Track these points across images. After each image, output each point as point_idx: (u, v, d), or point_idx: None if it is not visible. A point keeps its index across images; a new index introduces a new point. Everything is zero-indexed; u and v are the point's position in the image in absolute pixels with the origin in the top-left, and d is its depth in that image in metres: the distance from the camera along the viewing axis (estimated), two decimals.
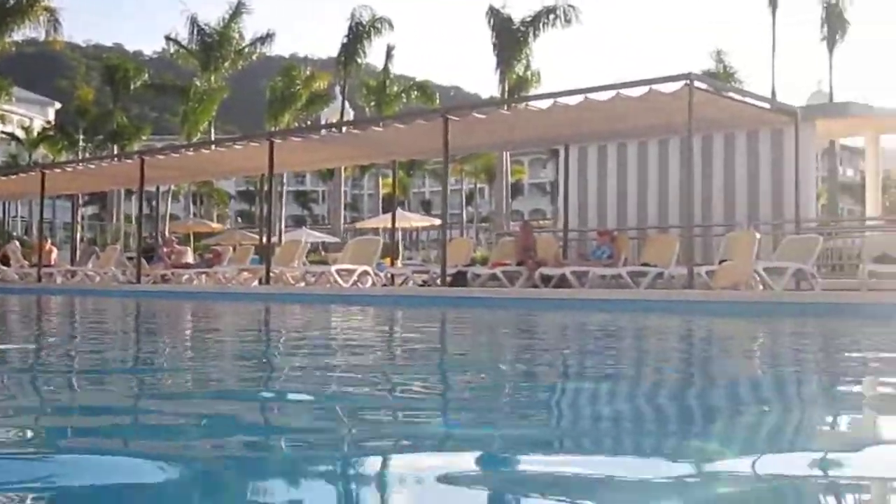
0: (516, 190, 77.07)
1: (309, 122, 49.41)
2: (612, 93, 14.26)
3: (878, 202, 21.91)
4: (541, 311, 13.41)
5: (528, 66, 44.74)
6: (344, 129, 22.17)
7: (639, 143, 18.41)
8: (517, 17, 44.57)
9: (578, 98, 14.70)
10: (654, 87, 13.90)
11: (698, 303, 13.09)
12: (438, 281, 17.10)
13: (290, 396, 3.99)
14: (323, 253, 44.18)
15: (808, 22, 51.33)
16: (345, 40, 49.45)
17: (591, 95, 14.53)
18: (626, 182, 18.63)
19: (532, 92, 40.55)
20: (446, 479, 2.27)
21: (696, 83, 13.82)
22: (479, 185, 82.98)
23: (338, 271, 18.54)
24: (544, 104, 15.70)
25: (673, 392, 4.37)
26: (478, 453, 2.65)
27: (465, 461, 2.54)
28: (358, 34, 49.22)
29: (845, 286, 14.92)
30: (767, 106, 16.35)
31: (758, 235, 15.23)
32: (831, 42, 45.84)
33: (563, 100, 15.15)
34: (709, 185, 17.06)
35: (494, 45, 44.42)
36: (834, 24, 45.67)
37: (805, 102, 18.96)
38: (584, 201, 19.15)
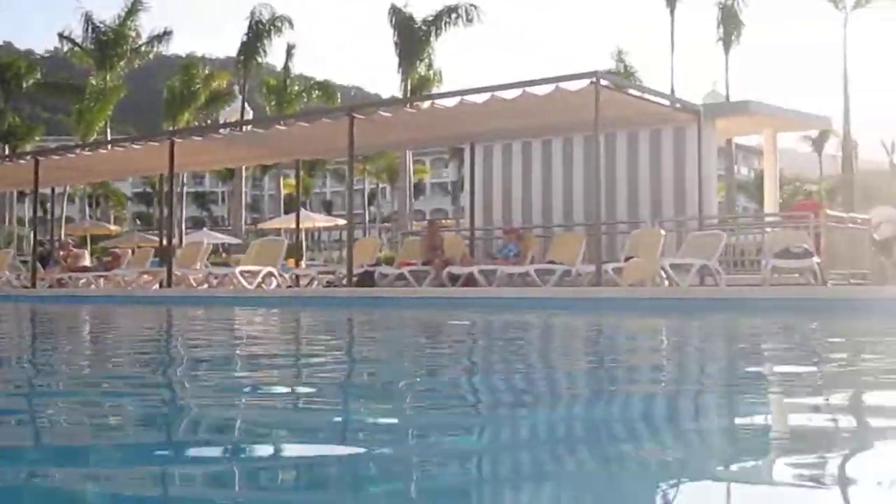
0: (418, 190, 77.07)
1: (209, 122, 48.58)
2: (518, 91, 14.26)
3: (776, 199, 22.35)
4: (448, 310, 13.38)
5: (430, 66, 44.73)
6: (248, 127, 21.78)
7: (543, 142, 18.45)
8: (419, 16, 44.53)
9: (486, 96, 14.67)
10: (561, 85, 13.93)
11: (606, 300, 13.19)
12: (345, 281, 16.91)
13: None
14: (224, 255, 43.50)
15: (705, 22, 52.26)
16: (245, 38, 48.79)
17: (499, 93, 14.50)
18: (531, 180, 18.64)
19: (434, 91, 40.50)
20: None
21: (602, 81, 13.89)
22: (380, 185, 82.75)
23: (242, 273, 18.21)
24: (452, 102, 15.62)
25: (555, 386, 4.46)
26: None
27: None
28: (258, 32, 48.61)
29: (747, 281, 15.19)
30: (672, 104, 16.54)
31: (663, 233, 15.40)
32: (727, 43, 46.82)
33: (470, 97, 15.08)
34: (612, 182, 17.19)
35: (396, 44, 44.28)
36: (729, 25, 46.66)
37: (700, 102, 19.16)
38: (489, 200, 19.13)
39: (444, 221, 71.80)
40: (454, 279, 16.14)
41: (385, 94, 67.49)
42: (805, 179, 70.20)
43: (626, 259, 14.93)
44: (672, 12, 47.84)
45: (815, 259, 13.77)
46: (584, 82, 13.82)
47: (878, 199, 34.82)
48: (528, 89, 14.15)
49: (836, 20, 43.85)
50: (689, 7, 55.10)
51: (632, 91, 16.00)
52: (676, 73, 44.98)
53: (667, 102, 16.26)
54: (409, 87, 43.57)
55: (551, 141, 18.34)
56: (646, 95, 16.13)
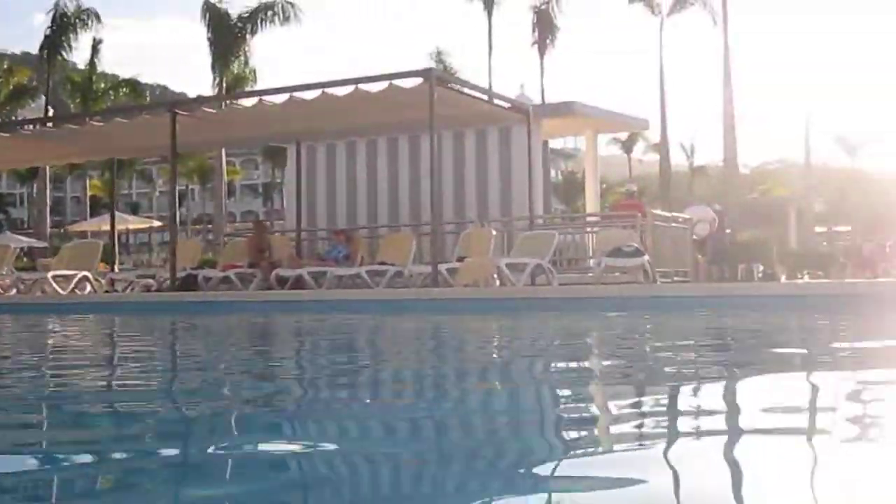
0: (228, 191, 75.43)
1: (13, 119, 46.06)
2: (351, 88, 13.92)
3: (597, 199, 22.79)
4: (277, 313, 13.01)
5: (246, 63, 43.75)
6: (58, 124, 20.55)
7: (368, 142, 18.11)
8: (235, 12, 43.46)
9: (316, 92, 14.25)
10: (395, 82, 13.67)
11: (442, 301, 13.04)
12: (166, 285, 16.16)
13: None
14: (25, 259, 41.27)
15: (520, 24, 53.08)
16: (48, 32, 46.48)
17: (330, 90, 14.11)
18: (356, 180, 18.28)
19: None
20: None
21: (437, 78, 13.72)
22: (189, 186, 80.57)
23: (54, 278, 17.15)
24: (281, 98, 15.11)
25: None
26: None
27: None
28: (62, 26, 46.38)
29: (577, 280, 15.34)
30: (505, 104, 16.53)
31: (494, 232, 15.38)
32: (542, 47, 47.72)
33: (300, 94, 14.62)
34: (439, 182, 17.01)
35: (211, 41, 43.09)
36: (545, 29, 47.57)
37: None
38: (312, 200, 18.66)
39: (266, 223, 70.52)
40: (282, 282, 15.66)
41: (193, 94, 65.48)
42: (612, 182, 72.49)
43: (459, 259, 14.83)
44: (489, 15, 48.41)
45: (646, 257, 13.99)
46: (419, 80, 13.60)
47: (680, 201, 36.19)
48: (360, 86, 13.82)
49: (652, 26, 45.23)
50: (506, 10, 56.09)
51: (465, 90, 15.85)
52: (495, 75, 45.32)
53: (500, 102, 16.23)
54: (224, 86, 42.45)
55: (376, 140, 18.02)
56: (477, 94, 16.04)
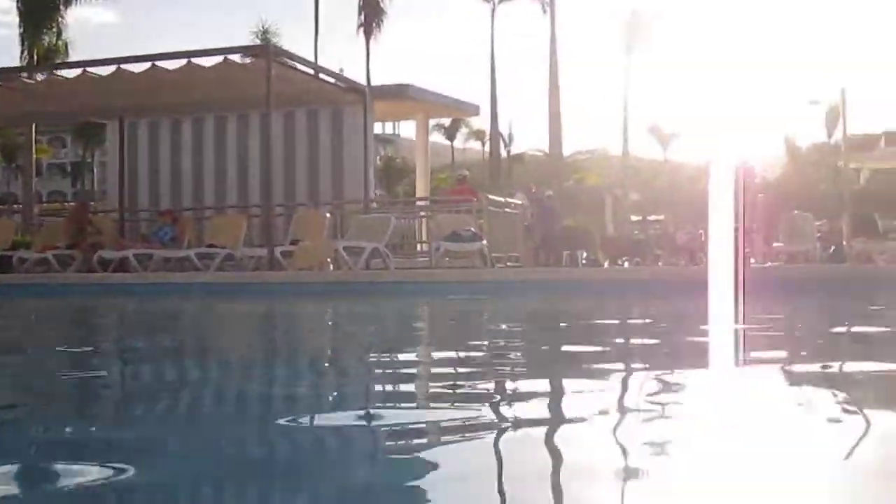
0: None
1: None
2: (183, 61, 13.32)
3: (427, 184, 22.70)
4: (101, 297, 12.42)
5: (59, 35, 41.65)
6: None
7: (194, 120, 17.36)
8: None
9: (146, 65, 13.56)
10: (230, 57, 13.18)
11: (277, 284, 12.71)
12: None
13: None
14: None
15: (347, 7, 52.61)
16: None
17: (161, 63, 13.47)
18: (182, 159, 17.49)
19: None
20: None
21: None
22: None
23: None
24: (106, 70, 14.31)
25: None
26: None
27: None
28: None
29: (409, 265, 15.24)
30: (342, 84, 16.18)
31: (327, 215, 15.08)
32: (368, 31, 47.37)
33: (128, 67, 13.89)
34: (268, 163, 16.51)
35: (21, 9, 40.83)
36: (371, 13, 47.22)
37: None
38: (134, 179, 17.76)
39: (66, 204, 67.76)
40: (105, 264, 14.91)
41: None
42: (433, 168, 72.80)
43: (292, 242, 14.48)
44: None
45: (484, 242, 13.96)
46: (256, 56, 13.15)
47: (501, 188, 36.67)
48: (193, 60, 13.24)
49: (484, 13, 45.64)
50: None
51: (302, 68, 15.41)
52: (318, 58, 44.61)
53: (336, 81, 15.88)
54: (34, 58, 40.30)
55: (203, 119, 17.30)
56: (314, 73, 15.64)
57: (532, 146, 61.30)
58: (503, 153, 73.95)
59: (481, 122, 52.91)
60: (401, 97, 18.95)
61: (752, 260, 18.10)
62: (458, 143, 73.32)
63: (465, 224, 14.65)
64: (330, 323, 8.63)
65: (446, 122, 64.56)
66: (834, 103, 59.06)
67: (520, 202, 17.75)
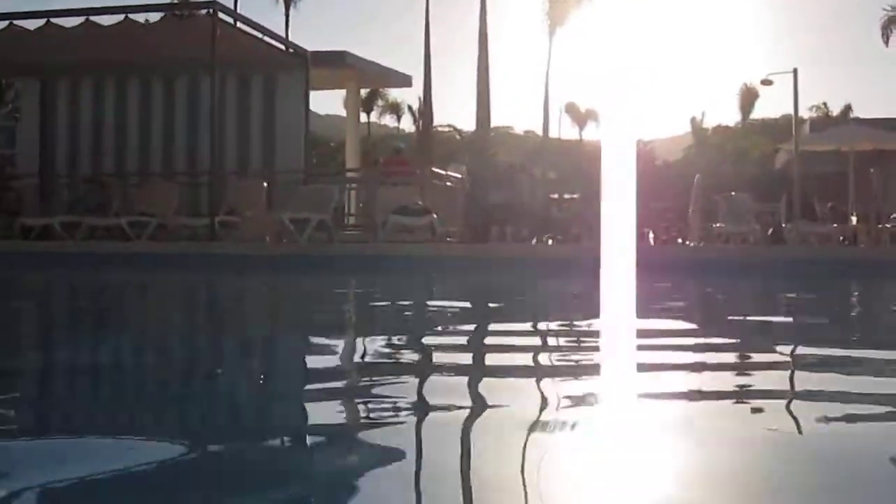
0: None
1: None
2: (120, 16, 12.50)
3: (357, 155, 22.09)
4: (23, 268, 11.73)
5: None
6: None
7: (117, 81, 16.34)
8: None
9: (79, 19, 12.70)
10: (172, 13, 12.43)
11: (217, 256, 12.12)
12: None
13: None
14: None
15: None
16: None
17: (95, 18, 12.62)
18: (104, 121, 16.49)
19: None
20: None
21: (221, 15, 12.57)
22: None
23: None
24: (33, 24, 13.37)
25: None
26: None
27: None
28: None
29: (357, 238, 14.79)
30: (284, 48, 15.50)
31: (265, 185, 14.47)
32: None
33: (58, 20, 12.99)
34: (195, 128, 15.73)
35: None
36: None
37: None
38: (53, 143, 16.67)
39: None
40: (27, 231, 14.06)
41: None
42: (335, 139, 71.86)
43: (227, 213, 13.88)
44: None
45: (434, 216, 13.51)
46: (199, 13, 12.44)
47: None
48: (130, 16, 12.44)
49: None
50: None
51: (247, 29, 14.62)
52: None
53: (279, 44, 15.18)
54: None
55: (127, 80, 16.29)
56: (257, 34, 14.88)
57: (441, 122, 60.64)
58: (414, 128, 73.42)
59: (406, 95, 52.39)
60: (338, 65, 18.27)
61: (689, 242, 18.13)
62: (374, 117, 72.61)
63: (409, 198, 14.16)
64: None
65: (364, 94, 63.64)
66: (752, 86, 60.23)
67: (459, 176, 17.31)
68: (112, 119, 16.32)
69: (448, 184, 16.45)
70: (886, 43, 33.66)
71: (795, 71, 14.43)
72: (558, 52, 47.62)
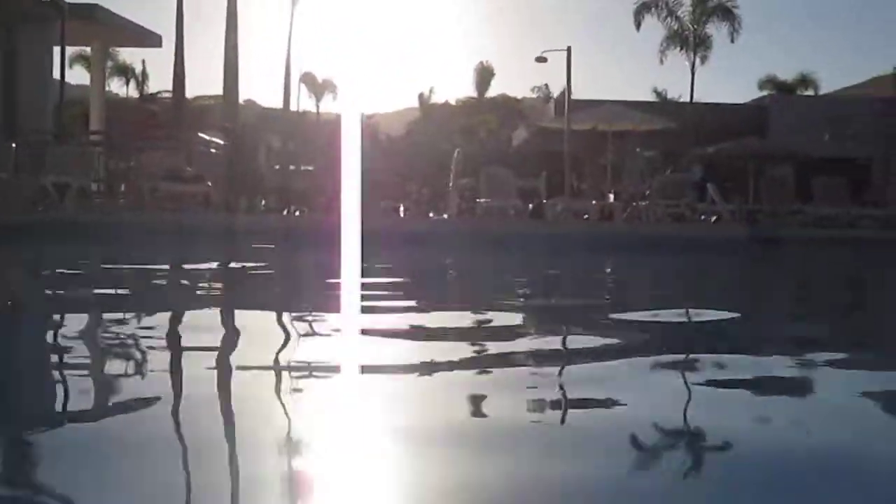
0: None
1: None
2: None
3: (102, 117, 20.71)
4: None
5: None
6: None
7: None
8: None
9: None
10: None
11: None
12: None
13: None
14: None
15: None
16: None
17: None
18: None
19: None
20: None
21: None
22: None
23: None
24: None
25: None
26: None
27: None
28: None
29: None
30: None
31: (14, 146, 13.23)
32: None
33: None
34: None
35: None
36: None
37: None
38: None
39: None
40: None
41: None
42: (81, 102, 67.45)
43: None
44: None
45: (209, 184, 12.79)
46: None
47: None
48: None
49: None
50: None
51: None
52: None
53: None
54: None
55: None
56: None
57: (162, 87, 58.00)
58: (136, 93, 70.19)
59: (135, 58, 49.96)
60: (87, 19, 16.92)
61: (445, 215, 18.22)
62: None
63: (175, 164, 13.34)
64: None
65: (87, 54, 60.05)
66: (487, 65, 61.64)
67: (222, 143, 16.57)
68: None
69: (213, 150, 15.71)
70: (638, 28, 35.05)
71: (569, 49, 14.75)
72: (300, 22, 46.72)
